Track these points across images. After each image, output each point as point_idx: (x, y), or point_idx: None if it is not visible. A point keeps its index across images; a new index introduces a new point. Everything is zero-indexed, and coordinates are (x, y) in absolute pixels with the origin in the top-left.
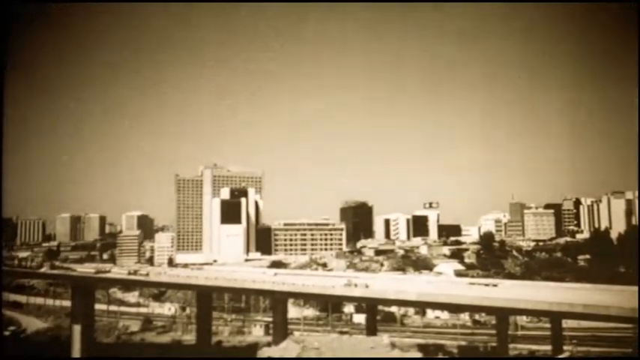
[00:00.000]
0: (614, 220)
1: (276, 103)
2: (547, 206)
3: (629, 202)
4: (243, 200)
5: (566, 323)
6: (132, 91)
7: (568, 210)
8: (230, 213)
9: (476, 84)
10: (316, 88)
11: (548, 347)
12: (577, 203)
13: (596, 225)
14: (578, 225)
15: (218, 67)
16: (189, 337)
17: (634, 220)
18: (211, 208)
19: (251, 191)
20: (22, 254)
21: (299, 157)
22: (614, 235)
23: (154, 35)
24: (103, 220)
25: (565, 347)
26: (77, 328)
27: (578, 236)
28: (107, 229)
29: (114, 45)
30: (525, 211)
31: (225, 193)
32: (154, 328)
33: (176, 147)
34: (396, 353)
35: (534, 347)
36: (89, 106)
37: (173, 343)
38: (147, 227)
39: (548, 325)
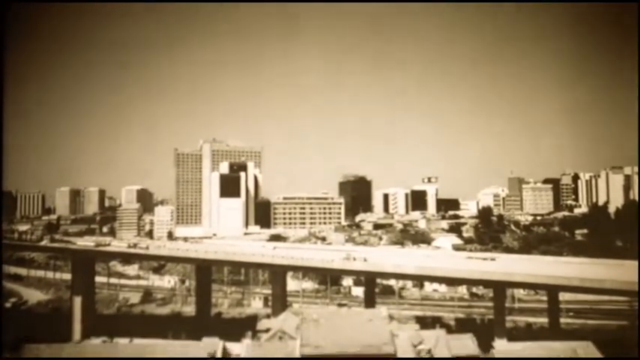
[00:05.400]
0: (612, 195)
1: (276, 78)
2: (545, 181)
3: (627, 178)
4: (242, 174)
5: (563, 296)
6: (131, 66)
7: (566, 185)
8: (229, 187)
9: (478, 60)
10: (317, 63)
11: (545, 320)
12: (575, 178)
13: (595, 200)
14: (577, 200)
15: (217, 41)
16: (189, 309)
17: (632, 195)
18: (210, 181)
19: (250, 165)
20: (22, 227)
21: (298, 131)
22: (611, 209)
23: (152, 13)
24: (102, 193)
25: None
26: (78, 300)
27: (576, 211)
28: (107, 203)
29: (115, 22)
30: (524, 185)
31: (224, 168)
32: (154, 300)
33: (175, 121)
34: (394, 325)
35: (531, 319)
36: (89, 81)
37: (173, 315)
38: (146, 201)
39: (545, 298)
